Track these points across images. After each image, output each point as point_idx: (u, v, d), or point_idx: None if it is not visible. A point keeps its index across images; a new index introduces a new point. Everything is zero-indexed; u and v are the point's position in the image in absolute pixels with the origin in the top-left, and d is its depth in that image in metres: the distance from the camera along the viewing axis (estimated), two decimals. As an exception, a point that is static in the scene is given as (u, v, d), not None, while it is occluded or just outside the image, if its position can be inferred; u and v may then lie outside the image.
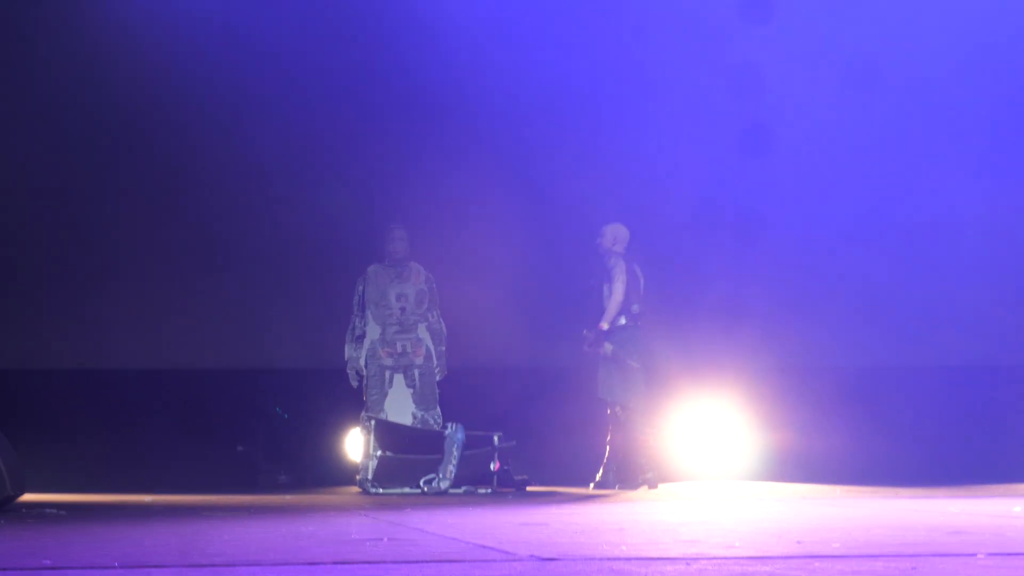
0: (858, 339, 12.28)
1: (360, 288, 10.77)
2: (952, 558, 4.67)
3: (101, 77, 11.72)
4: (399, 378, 10.69)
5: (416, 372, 10.71)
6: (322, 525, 6.54)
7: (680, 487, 10.64)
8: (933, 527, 6.21)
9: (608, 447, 10.41)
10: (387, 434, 10.34)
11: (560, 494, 9.84)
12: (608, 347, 10.37)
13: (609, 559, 4.63)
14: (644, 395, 10.48)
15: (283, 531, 6.12)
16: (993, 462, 11.35)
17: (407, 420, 10.60)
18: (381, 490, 10.09)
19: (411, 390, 10.69)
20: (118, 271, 11.84)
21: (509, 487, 10.19)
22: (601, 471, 10.38)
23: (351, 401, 10.79)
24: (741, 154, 12.26)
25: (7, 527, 6.59)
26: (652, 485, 10.29)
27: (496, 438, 10.29)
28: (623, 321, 10.40)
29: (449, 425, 10.33)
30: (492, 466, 10.21)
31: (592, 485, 10.36)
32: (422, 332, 10.74)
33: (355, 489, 10.39)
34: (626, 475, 10.36)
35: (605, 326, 10.37)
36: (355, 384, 10.73)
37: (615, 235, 10.57)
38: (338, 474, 11.07)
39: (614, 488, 10.26)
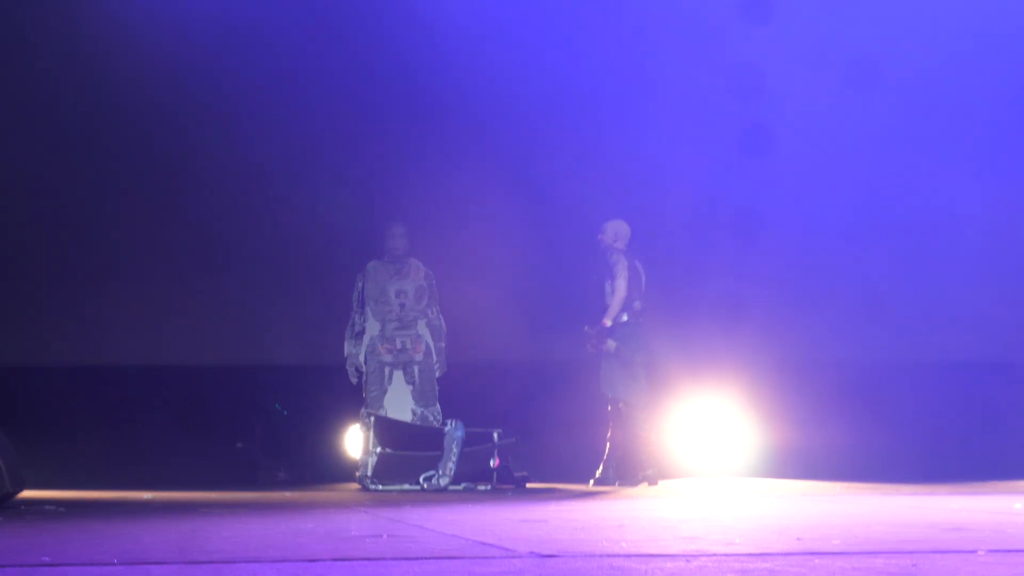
0: (858, 336, 12.28)
1: (360, 284, 10.76)
2: (952, 555, 4.66)
3: (100, 76, 11.72)
4: (399, 374, 10.69)
5: (416, 368, 10.70)
6: (321, 522, 6.53)
7: (680, 484, 10.64)
8: (933, 524, 6.20)
9: (608, 443, 10.41)
10: (387, 431, 10.33)
11: (560, 491, 9.83)
12: (611, 344, 10.36)
13: (609, 556, 4.63)
14: (646, 391, 10.48)
15: (282, 528, 6.12)
16: (993, 459, 11.35)
17: (407, 417, 10.59)
18: (380, 487, 10.09)
19: (411, 387, 10.69)
20: (117, 268, 11.84)
21: (509, 484, 10.18)
22: (601, 467, 10.38)
23: (351, 398, 10.79)
24: (741, 153, 12.27)
25: (6, 524, 6.58)
26: (652, 482, 10.29)
27: (496, 435, 10.28)
28: (625, 318, 10.40)
29: (449, 422, 10.33)
30: (492, 463, 10.20)
31: (592, 481, 10.35)
32: (422, 328, 10.73)
33: (354, 486, 10.39)
34: (626, 472, 10.36)
35: (608, 323, 10.36)
36: (354, 380, 10.73)
37: (616, 231, 10.57)
38: (337, 471, 11.07)
39: (614, 485, 10.26)
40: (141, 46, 11.48)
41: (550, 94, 12.16)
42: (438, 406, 10.71)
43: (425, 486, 10.06)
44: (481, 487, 10.11)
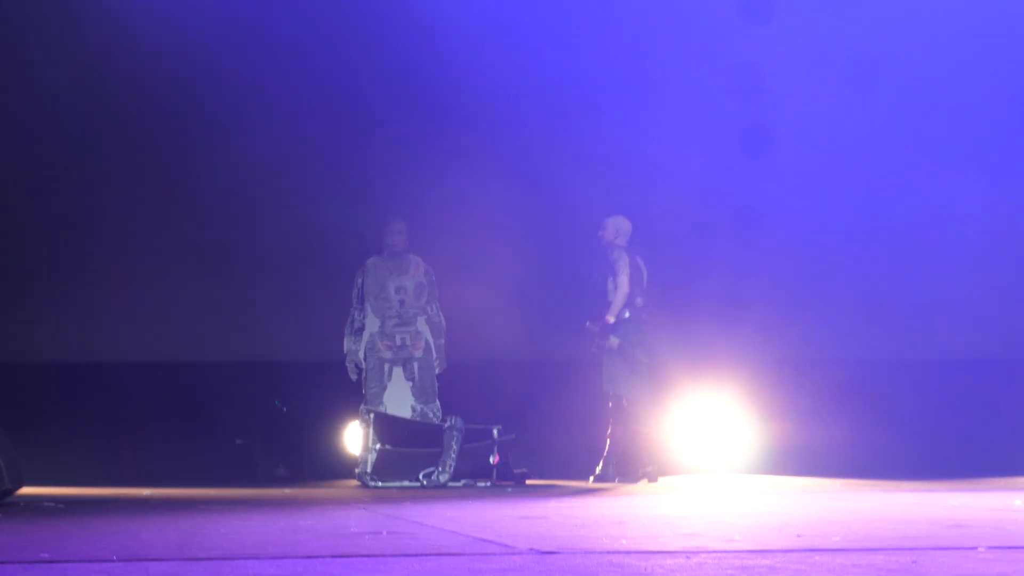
0: (858, 333, 12.28)
1: (359, 281, 10.75)
2: (953, 551, 4.66)
3: (100, 73, 11.71)
4: (398, 371, 10.68)
5: (415, 365, 10.69)
6: (321, 518, 6.52)
7: (680, 480, 10.64)
8: (933, 520, 6.20)
9: (608, 440, 10.41)
10: (386, 427, 10.33)
11: (559, 487, 9.83)
12: (614, 340, 10.36)
13: (609, 552, 4.62)
14: (648, 388, 10.48)
15: (281, 524, 6.11)
16: (994, 456, 11.36)
17: (406, 413, 10.59)
18: (380, 483, 10.08)
19: (410, 383, 10.68)
20: (116, 265, 11.83)
21: (508, 480, 10.18)
22: (601, 464, 10.37)
23: (350, 394, 10.78)
24: (742, 151, 12.27)
25: (5, 520, 6.57)
26: (652, 479, 10.29)
27: (495, 431, 10.28)
28: (628, 314, 10.39)
29: (448, 418, 10.32)
30: (491, 459, 10.20)
31: (592, 478, 10.35)
32: (421, 325, 10.73)
33: (354, 482, 10.38)
34: (626, 468, 10.36)
35: (612, 319, 10.36)
36: (354, 377, 10.72)
37: (617, 228, 10.56)
38: (337, 467, 11.06)
39: (614, 481, 10.26)
40: (141, 40, 11.46)
41: (551, 92, 12.15)
42: (438, 403, 10.70)
43: (425, 483, 10.05)
44: (481, 484, 10.11)
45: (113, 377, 11.58)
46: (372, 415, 10.34)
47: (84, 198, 11.89)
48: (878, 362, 12.23)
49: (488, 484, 10.11)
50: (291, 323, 11.92)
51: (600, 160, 12.17)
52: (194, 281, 11.90)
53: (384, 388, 10.64)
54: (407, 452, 10.26)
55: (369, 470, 10.16)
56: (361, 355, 10.68)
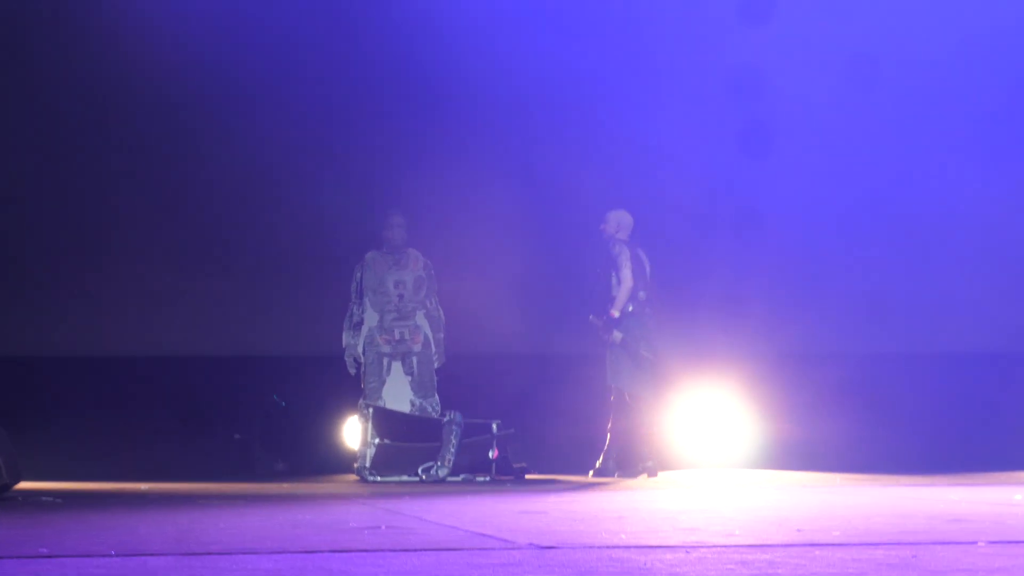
0: (859, 328, 12.28)
1: (358, 275, 10.74)
2: (952, 546, 4.65)
3: (100, 66, 11.69)
4: (397, 365, 10.67)
5: (414, 359, 10.68)
6: (319, 513, 6.52)
7: (680, 475, 10.63)
8: (933, 515, 6.19)
9: (609, 434, 10.40)
10: (385, 422, 10.32)
11: (559, 482, 9.83)
12: (617, 335, 10.35)
13: (608, 547, 4.61)
14: (651, 383, 10.47)
15: (280, 519, 6.10)
16: (993, 450, 11.35)
17: (405, 408, 10.58)
18: (379, 478, 10.07)
19: (409, 377, 10.67)
20: (115, 259, 11.82)
21: (508, 475, 10.17)
22: (601, 458, 10.37)
23: (349, 388, 10.77)
24: (742, 149, 12.28)
25: (4, 516, 6.57)
26: (652, 473, 10.28)
27: (495, 426, 10.27)
28: (631, 308, 10.38)
29: (447, 413, 10.31)
30: (491, 454, 10.19)
31: (591, 473, 10.34)
32: (420, 319, 10.72)
33: (353, 477, 10.37)
34: (626, 463, 10.35)
35: (616, 314, 10.35)
36: (353, 371, 10.71)
37: (619, 222, 10.55)
38: (336, 462, 11.06)
39: (613, 476, 10.25)
40: (140, 33, 11.44)
41: (552, 88, 12.16)
42: (437, 397, 10.69)
43: (424, 477, 10.05)
44: (480, 478, 10.10)
45: (111, 372, 11.57)
46: (371, 410, 10.33)
47: (83, 193, 11.88)
48: (878, 357, 12.22)
49: (487, 479, 10.10)
50: (290, 317, 11.91)
51: (601, 156, 12.17)
52: (193, 276, 11.89)
53: (383, 382, 10.63)
54: (406, 447, 10.25)
55: (368, 465, 10.15)
56: (360, 349, 10.66)
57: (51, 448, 10.49)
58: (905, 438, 11.57)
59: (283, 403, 11.75)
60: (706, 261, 12.09)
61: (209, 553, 4.47)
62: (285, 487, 9.32)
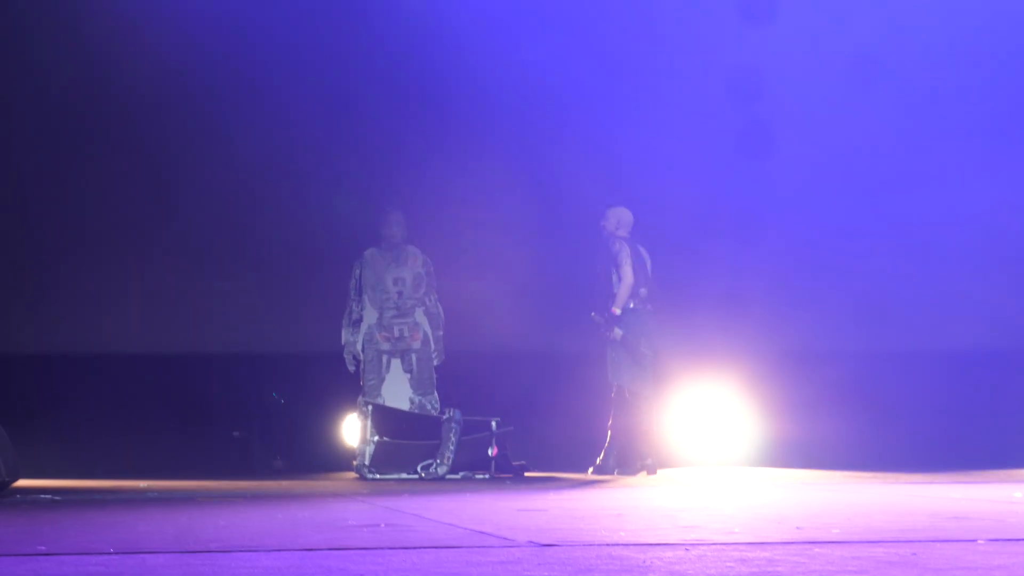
0: (858, 326, 12.27)
1: (357, 272, 10.73)
2: (953, 544, 4.65)
3: (97, 67, 11.68)
4: (396, 363, 10.66)
5: (413, 357, 10.67)
6: (319, 511, 6.51)
7: (679, 473, 10.63)
8: (934, 513, 6.19)
9: (610, 432, 10.39)
10: (384, 419, 10.31)
11: (558, 480, 9.82)
12: (618, 332, 10.34)
13: (608, 545, 4.61)
14: (651, 380, 10.46)
15: (279, 517, 6.10)
16: (994, 448, 11.35)
17: (404, 405, 10.57)
18: (378, 476, 10.06)
19: (408, 375, 10.66)
20: (114, 257, 11.81)
21: (507, 473, 10.16)
22: (602, 455, 10.36)
23: (348, 386, 10.76)
24: (742, 148, 12.29)
25: (2, 513, 6.56)
26: (651, 471, 10.27)
27: (494, 423, 10.26)
28: (631, 305, 10.38)
29: (447, 410, 10.30)
30: (490, 451, 10.18)
31: (591, 469, 10.34)
32: (419, 316, 10.71)
33: (352, 475, 10.37)
34: (625, 461, 10.34)
35: (617, 311, 10.34)
36: (352, 369, 10.70)
37: (619, 219, 10.55)
38: (335, 460, 11.05)
39: (613, 473, 10.25)
40: (137, 32, 11.44)
41: (553, 90, 12.16)
42: (436, 394, 10.68)
43: (423, 475, 10.04)
44: (479, 476, 10.09)
45: (110, 369, 11.56)
46: (370, 407, 10.32)
47: (82, 191, 11.86)
48: (878, 355, 12.21)
49: (487, 476, 10.09)
50: (289, 315, 11.90)
51: (601, 155, 12.16)
52: (192, 273, 11.89)
53: (382, 380, 10.62)
54: (405, 444, 10.24)
55: (367, 462, 10.14)
56: (359, 347, 10.65)
57: (50, 446, 10.48)
58: (905, 436, 11.56)
59: (282, 401, 11.74)
60: (706, 260, 12.08)
61: (208, 551, 4.46)
62: (284, 485, 9.32)
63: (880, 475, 9.90)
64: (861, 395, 11.86)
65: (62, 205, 11.86)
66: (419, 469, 10.08)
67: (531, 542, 4.70)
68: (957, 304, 12.28)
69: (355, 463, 10.30)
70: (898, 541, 4.73)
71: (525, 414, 10.94)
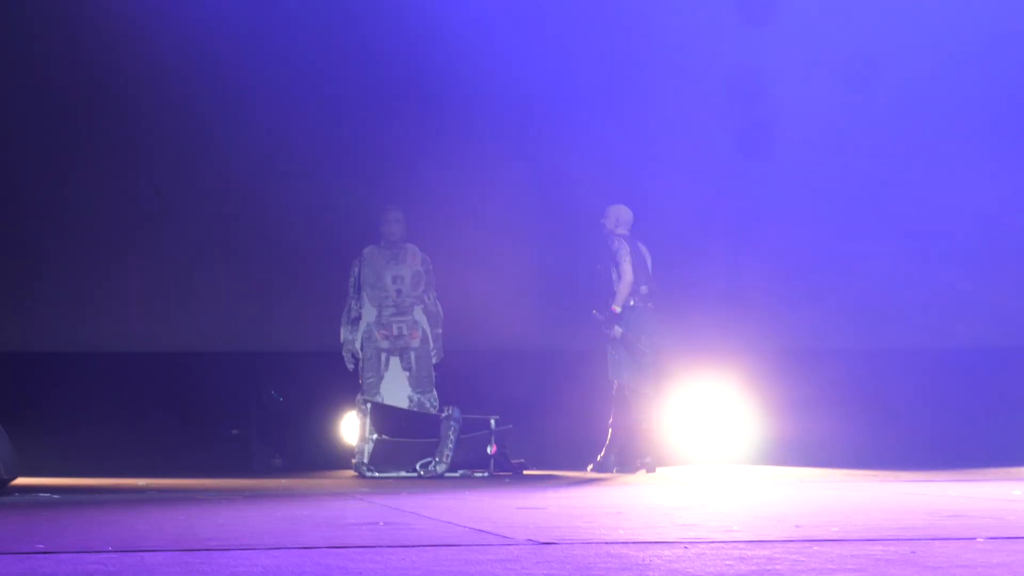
0: (858, 324, 12.28)
1: (356, 270, 10.72)
2: (952, 542, 4.64)
3: (97, 64, 11.67)
4: (395, 361, 10.66)
5: (412, 355, 10.67)
6: (317, 509, 6.51)
7: (678, 471, 10.63)
8: (933, 511, 6.19)
9: (611, 429, 10.39)
10: (383, 417, 10.31)
11: (557, 478, 9.82)
12: (618, 330, 10.34)
13: (607, 543, 4.60)
14: (651, 378, 10.45)
15: (278, 515, 6.10)
16: (993, 445, 11.35)
17: (403, 403, 10.57)
18: (377, 474, 10.06)
19: (407, 373, 10.66)
20: (113, 255, 11.80)
21: (506, 471, 10.16)
22: (603, 452, 10.36)
23: (347, 384, 10.76)
24: (742, 148, 12.30)
25: (1, 512, 6.56)
26: (650, 469, 10.28)
27: (493, 421, 10.26)
28: (632, 303, 10.37)
29: (446, 408, 10.30)
30: (489, 450, 10.18)
31: (590, 467, 10.34)
32: (418, 314, 10.70)
33: (351, 473, 10.36)
34: (624, 459, 10.35)
35: (618, 309, 10.34)
36: (351, 367, 10.70)
37: (618, 217, 10.55)
38: (334, 458, 11.05)
39: (612, 471, 10.24)
40: (140, 31, 11.43)
41: (553, 90, 12.17)
42: (435, 392, 10.68)
43: (422, 473, 10.04)
44: (478, 474, 10.09)
45: (109, 367, 11.55)
46: (369, 405, 10.32)
47: (81, 190, 11.86)
48: (877, 353, 12.22)
49: (485, 474, 10.09)
50: (287, 312, 11.89)
51: (602, 154, 12.17)
52: (190, 271, 11.88)
53: (381, 378, 10.62)
54: (404, 442, 10.24)
55: (366, 460, 10.14)
56: (358, 345, 10.65)
57: (48, 444, 10.48)
58: (904, 434, 11.57)
59: (281, 399, 11.74)
60: (706, 259, 12.08)
61: (207, 549, 4.46)
62: (283, 483, 9.31)
63: (879, 473, 9.90)
64: (860, 393, 11.87)
65: (60, 203, 11.86)
66: (418, 467, 10.08)
67: (530, 540, 4.70)
68: (956, 303, 12.28)
69: (354, 461, 10.30)
70: (897, 539, 4.73)
71: (524, 412, 10.94)
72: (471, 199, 11.81)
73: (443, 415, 10.23)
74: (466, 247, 11.70)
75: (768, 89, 12.24)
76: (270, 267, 11.98)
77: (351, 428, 10.67)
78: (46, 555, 4.31)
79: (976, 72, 12.41)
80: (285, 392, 11.75)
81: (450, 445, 10.09)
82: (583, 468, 10.39)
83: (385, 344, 10.64)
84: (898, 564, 3.98)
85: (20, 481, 8.57)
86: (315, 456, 11.29)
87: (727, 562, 4.04)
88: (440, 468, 10.05)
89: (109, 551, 4.40)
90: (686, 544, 4.56)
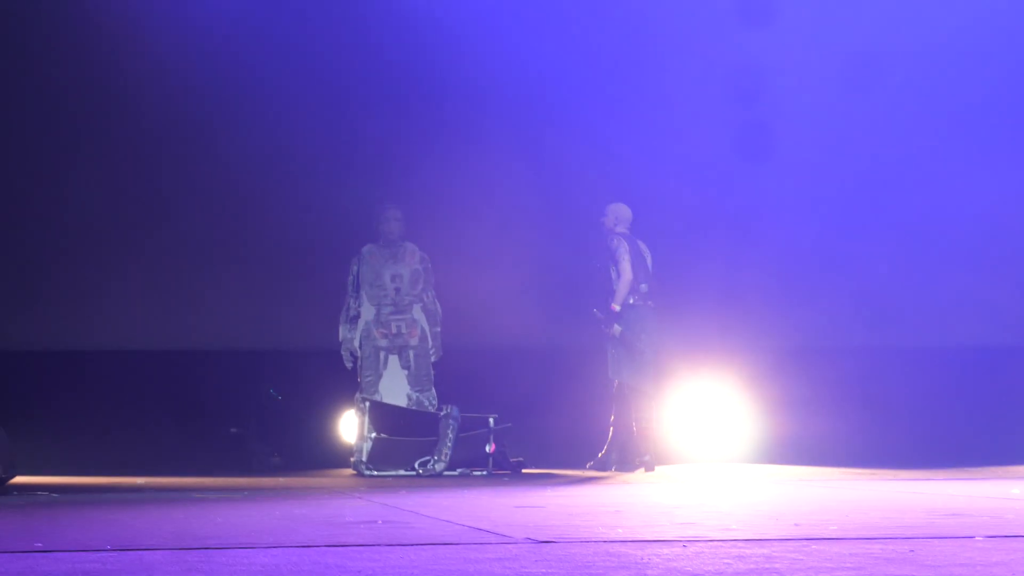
0: (856, 322, 12.28)
1: (355, 268, 10.72)
2: (950, 540, 4.64)
3: (94, 65, 11.67)
4: (394, 359, 10.66)
5: (411, 353, 10.67)
6: (316, 508, 6.51)
7: (677, 470, 10.62)
8: (931, 509, 6.19)
9: (612, 428, 10.39)
10: (382, 416, 10.30)
11: (556, 476, 9.82)
12: (616, 328, 10.33)
13: (605, 542, 4.60)
14: (651, 376, 10.45)
15: (277, 514, 6.09)
16: (992, 444, 11.35)
17: (402, 402, 10.57)
18: (376, 472, 10.06)
19: (406, 371, 10.66)
20: (109, 253, 11.80)
21: (505, 469, 10.16)
22: (605, 450, 10.36)
23: (345, 383, 10.76)
24: (741, 148, 12.31)
25: (-1, 509, 6.55)
26: (649, 468, 10.27)
27: (492, 420, 10.26)
28: (632, 301, 10.37)
29: (444, 407, 10.30)
30: (487, 448, 10.18)
31: (590, 464, 10.34)
32: (417, 313, 10.70)
33: (349, 471, 10.36)
34: (624, 457, 10.34)
35: (617, 308, 10.33)
36: (349, 365, 10.69)
37: (616, 215, 10.55)
38: (332, 456, 11.05)
39: (611, 469, 10.24)
40: (135, 32, 11.43)
41: (553, 90, 12.18)
42: (434, 391, 10.68)
43: (420, 471, 10.03)
44: (477, 473, 10.09)
45: (107, 365, 11.55)
46: (367, 403, 10.32)
47: (78, 187, 11.85)
48: (875, 351, 12.22)
49: (484, 473, 10.09)
50: (286, 311, 11.89)
51: (601, 153, 12.17)
52: (188, 269, 11.88)
53: (379, 376, 10.62)
54: (403, 441, 10.24)
55: (365, 459, 10.14)
56: (356, 343, 10.65)
57: (47, 442, 10.48)
58: (903, 432, 11.57)
59: (279, 397, 11.73)
60: (705, 258, 12.09)
61: (205, 548, 4.46)
62: (281, 481, 9.31)
63: (878, 472, 9.90)
64: (859, 392, 11.87)
65: (58, 202, 11.86)
66: (416, 466, 10.08)
67: (528, 539, 4.69)
68: (954, 301, 12.29)
69: (352, 460, 10.30)
70: (896, 538, 4.72)
71: (523, 411, 10.94)
72: (470, 198, 11.81)
73: (442, 413, 10.23)
74: (466, 246, 11.70)
75: (768, 89, 12.25)
76: (268, 265, 11.98)
77: (350, 426, 10.67)
78: (44, 554, 4.31)
79: (975, 72, 12.41)
80: (284, 390, 11.74)
81: (449, 443, 10.09)
82: (582, 467, 10.39)
83: (384, 343, 10.64)
84: (896, 563, 3.98)
85: (18, 480, 8.56)
86: (314, 455, 11.28)
87: (725, 560, 4.04)
88: (439, 467, 10.05)
89: (108, 550, 4.39)
90: (685, 543, 4.56)
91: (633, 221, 10.62)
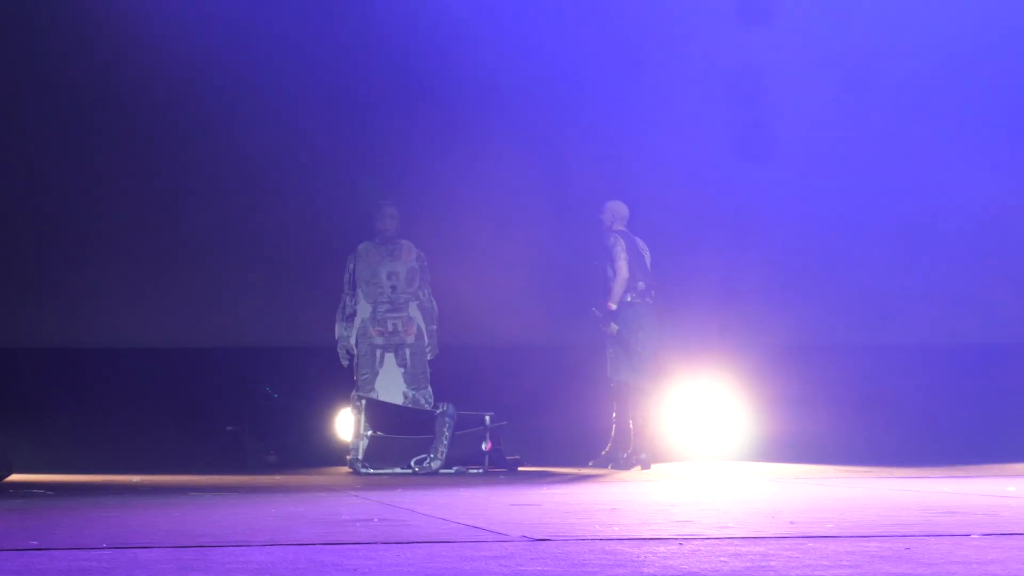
0: (853, 321, 12.29)
1: (351, 266, 10.72)
2: (945, 538, 4.64)
3: (95, 64, 11.67)
4: (390, 357, 10.65)
5: (407, 351, 10.67)
6: (312, 506, 6.50)
7: (673, 468, 10.62)
8: (927, 507, 6.19)
9: (614, 426, 10.39)
10: (378, 414, 10.30)
11: (552, 474, 9.81)
12: (613, 327, 10.33)
13: (601, 539, 4.60)
14: (649, 374, 10.43)
15: (272, 512, 6.09)
16: (987, 442, 11.36)
17: (398, 400, 10.56)
18: (372, 470, 10.06)
19: (402, 369, 10.65)
20: (105, 250, 11.79)
21: (501, 467, 10.16)
22: (608, 448, 10.36)
23: (341, 380, 10.75)
24: (740, 147, 12.31)
25: (-6, 507, 6.54)
26: (645, 466, 10.27)
27: (488, 418, 10.25)
28: (629, 299, 10.36)
29: (440, 405, 10.29)
30: (484, 446, 10.17)
31: (592, 463, 10.34)
32: (413, 311, 10.70)
33: (345, 469, 10.36)
34: (621, 455, 10.34)
35: (613, 306, 10.32)
36: (345, 363, 10.69)
37: (614, 212, 10.54)
38: (328, 454, 11.04)
39: (607, 467, 10.24)
40: (133, 32, 11.42)
41: (552, 89, 12.19)
42: (430, 389, 10.68)
43: (416, 469, 10.03)
44: (473, 471, 10.08)
45: (103, 364, 11.54)
46: (364, 401, 10.31)
47: (73, 185, 11.85)
48: (872, 350, 12.23)
49: (480, 471, 10.09)
50: (282, 309, 11.89)
51: (600, 153, 12.18)
52: (185, 267, 11.87)
53: (376, 374, 10.62)
54: (399, 439, 10.24)
55: (360, 457, 10.13)
56: (352, 341, 10.64)
57: (42, 440, 10.47)
58: (899, 430, 11.58)
59: (275, 395, 11.72)
60: (703, 256, 12.09)
61: (201, 546, 4.45)
62: (277, 479, 9.30)
63: (874, 470, 9.90)
64: (855, 390, 11.87)
65: (59, 201, 11.85)
66: (412, 464, 10.07)
67: (524, 537, 4.69)
68: (951, 300, 12.29)
69: (348, 458, 10.29)
70: (891, 536, 4.72)
71: (519, 409, 10.94)
72: (471, 197, 11.81)
73: (438, 411, 10.23)
74: (463, 243, 11.70)
75: (767, 89, 12.25)
76: (264, 263, 11.97)
77: (346, 424, 10.67)
78: (40, 552, 4.30)
79: (974, 72, 12.42)
80: (279, 388, 11.73)
81: (445, 441, 10.08)
82: (578, 465, 10.39)
83: (380, 340, 10.64)
84: (892, 561, 3.98)
85: (13, 478, 8.55)
86: (310, 452, 11.28)
87: (722, 558, 4.03)
88: (435, 464, 10.04)
89: (103, 548, 4.39)
90: (681, 540, 4.55)
91: (633, 219, 10.61)
